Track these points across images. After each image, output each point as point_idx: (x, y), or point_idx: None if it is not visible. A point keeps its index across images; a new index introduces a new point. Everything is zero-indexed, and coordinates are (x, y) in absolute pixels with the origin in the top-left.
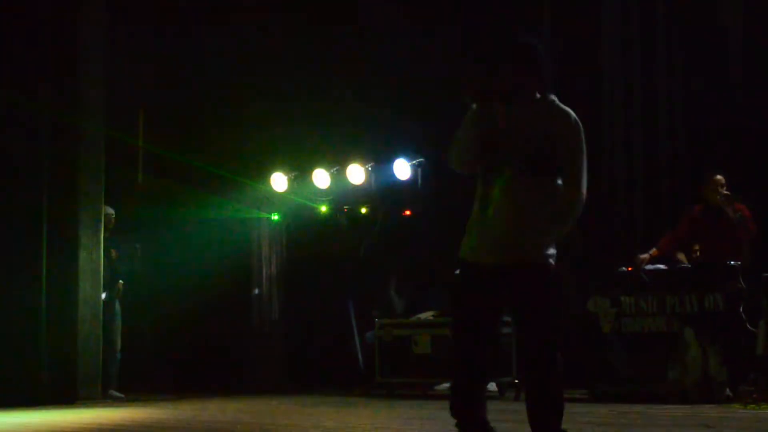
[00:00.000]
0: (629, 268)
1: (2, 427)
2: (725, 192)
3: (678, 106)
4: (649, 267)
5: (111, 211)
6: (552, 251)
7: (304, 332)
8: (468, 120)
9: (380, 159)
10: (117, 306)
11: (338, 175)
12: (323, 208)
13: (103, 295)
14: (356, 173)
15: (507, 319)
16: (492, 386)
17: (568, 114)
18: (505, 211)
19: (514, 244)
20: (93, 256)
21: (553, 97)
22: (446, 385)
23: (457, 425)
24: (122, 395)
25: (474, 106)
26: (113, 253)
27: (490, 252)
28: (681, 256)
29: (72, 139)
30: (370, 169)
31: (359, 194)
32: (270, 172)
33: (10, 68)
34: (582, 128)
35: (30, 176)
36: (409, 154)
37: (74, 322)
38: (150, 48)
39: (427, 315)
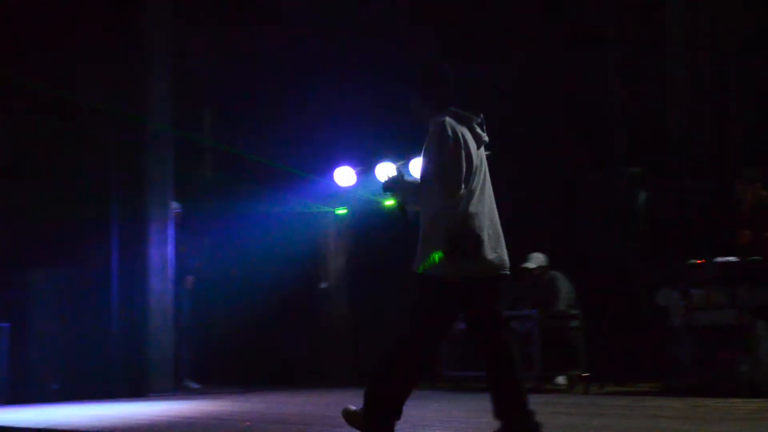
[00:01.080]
0: (699, 261)
1: (78, 419)
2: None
3: (748, 96)
4: (720, 259)
5: (178, 206)
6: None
7: (371, 326)
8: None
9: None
10: (187, 300)
11: (403, 169)
12: (389, 202)
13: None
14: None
15: (575, 312)
16: (561, 379)
17: (433, 124)
18: None
19: None
20: (162, 251)
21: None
22: None
23: None
24: (198, 385)
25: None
26: (182, 248)
27: None
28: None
29: (140, 136)
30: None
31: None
32: (335, 167)
33: (78, 68)
34: (438, 129)
35: (99, 173)
36: None
37: (145, 316)
38: (215, 45)
39: None
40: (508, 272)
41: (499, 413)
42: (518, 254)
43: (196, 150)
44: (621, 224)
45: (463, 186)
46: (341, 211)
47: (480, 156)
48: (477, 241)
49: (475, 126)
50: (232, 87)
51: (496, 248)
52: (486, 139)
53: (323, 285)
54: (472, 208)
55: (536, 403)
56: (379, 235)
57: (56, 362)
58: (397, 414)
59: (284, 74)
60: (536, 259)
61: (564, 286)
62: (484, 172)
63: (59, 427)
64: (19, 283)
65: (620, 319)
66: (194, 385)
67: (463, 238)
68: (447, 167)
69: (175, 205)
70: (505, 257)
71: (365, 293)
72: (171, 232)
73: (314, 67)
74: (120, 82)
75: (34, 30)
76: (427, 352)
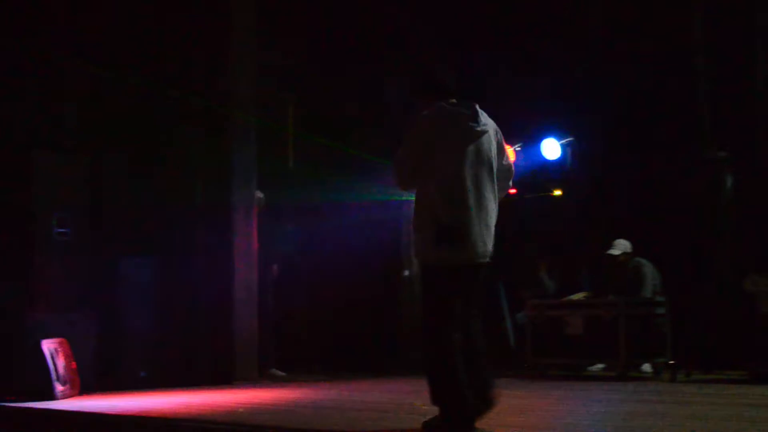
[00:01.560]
0: None
1: (165, 407)
2: None
3: None
4: None
5: (262, 195)
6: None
7: None
8: None
9: (529, 138)
10: (272, 289)
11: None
12: None
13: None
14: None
15: (661, 299)
16: (647, 367)
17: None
18: None
19: None
20: (247, 240)
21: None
22: (600, 366)
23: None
24: (283, 373)
25: None
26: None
27: None
28: None
29: (224, 127)
30: (518, 149)
31: None
32: None
33: (164, 62)
34: (418, 122)
35: (186, 164)
36: (558, 133)
37: (230, 304)
38: (298, 35)
39: (579, 296)
40: (488, 260)
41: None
42: (604, 241)
43: (280, 139)
44: (708, 209)
45: (404, 183)
46: None
47: (476, 149)
48: (464, 230)
49: (466, 120)
50: (315, 76)
51: (485, 239)
52: (482, 128)
53: (406, 273)
54: (458, 199)
55: (621, 390)
56: None
57: (144, 350)
58: (475, 402)
59: (365, 61)
60: (621, 246)
61: (649, 272)
62: (480, 163)
63: (148, 414)
64: (108, 273)
65: (707, 306)
66: (279, 373)
67: (451, 227)
68: (397, 163)
69: (259, 195)
70: (491, 248)
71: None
72: (255, 221)
73: (397, 50)
74: (205, 73)
75: (120, 22)
76: (452, 332)
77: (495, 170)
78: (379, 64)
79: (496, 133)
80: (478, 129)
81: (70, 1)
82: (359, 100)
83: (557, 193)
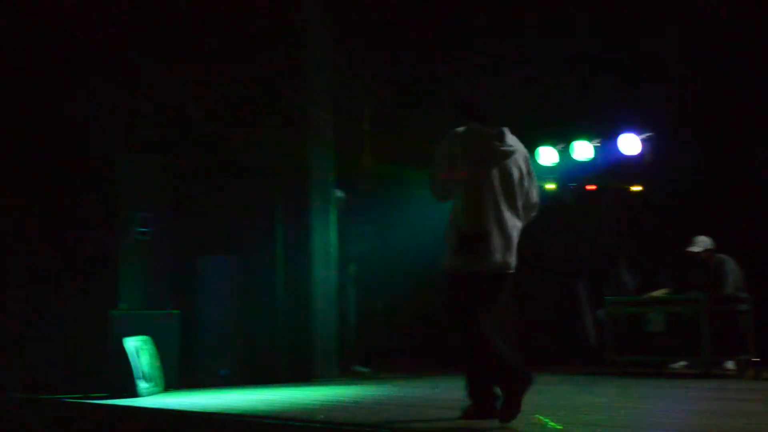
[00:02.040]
0: None
1: (246, 404)
2: None
3: None
4: None
5: (341, 194)
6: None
7: (533, 311)
8: None
9: (608, 134)
10: (351, 286)
11: (564, 152)
12: (550, 186)
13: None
14: (583, 149)
15: (744, 296)
16: (730, 365)
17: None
18: None
19: None
20: (325, 238)
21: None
22: (682, 363)
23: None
24: (366, 369)
25: None
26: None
27: None
28: None
29: (302, 126)
30: (597, 144)
31: (587, 171)
32: None
33: (243, 62)
34: (446, 137)
35: (264, 163)
36: (637, 128)
37: (309, 302)
38: (374, 33)
39: (660, 292)
40: (512, 271)
41: (470, 394)
42: (685, 237)
43: (357, 138)
44: None
45: (437, 194)
46: None
47: (501, 167)
48: (483, 241)
49: (492, 139)
50: (391, 75)
51: (504, 252)
52: (507, 148)
53: None
54: (480, 212)
55: (705, 388)
56: (540, 219)
57: (224, 348)
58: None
59: (440, 56)
60: (701, 243)
61: (732, 269)
62: (505, 181)
63: (230, 411)
64: (189, 272)
65: None
66: (362, 370)
67: (470, 237)
68: (429, 176)
69: (338, 194)
70: (511, 260)
71: (526, 278)
72: (334, 219)
73: (472, 47)
74: (282, 73)
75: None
76: (481, 318)
77: (521, 191)
78: (455, 61)
79: (526, 159)
80: (503, 149)
81: (150, 2)
82: (436, 97)
83: (636, 188)
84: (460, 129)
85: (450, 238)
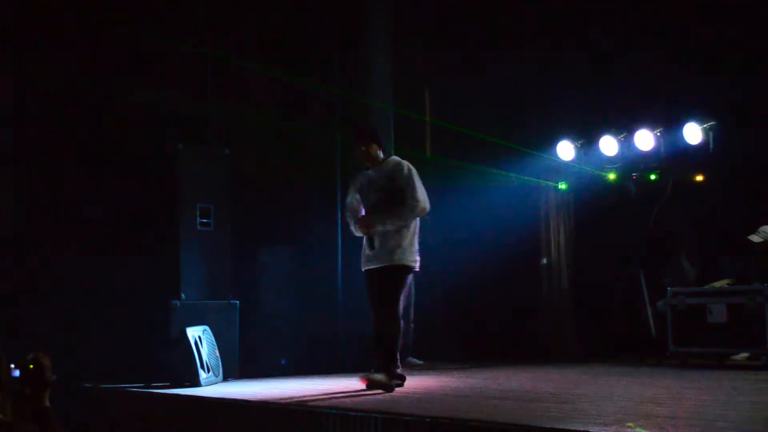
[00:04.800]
0: None
1: (305, 394)
2: None
3: None
4: None
5: None
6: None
7: (594, 301)
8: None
9: (670, 123)
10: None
11: (626, 142)
12: (611, 176)
13: None
14: (645, 139)
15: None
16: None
17: (399, 162)
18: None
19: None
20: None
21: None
22: (744, 354)
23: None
24: (420, 362)
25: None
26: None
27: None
28: None
29: (362, 116)
30: (659, 134)
31: (648, 161)
32: (557, 141)
33: (306, 52)
34: (411, 169)
35: (325, 154)
36: (700, 117)
37: None
38: (435, 24)
39: (721, 283)
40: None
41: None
42: (747, 226)
43: (417, 128)
44: None
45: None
46: (562, 186)
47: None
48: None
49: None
50: (452, 65)
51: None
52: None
53: (544, 261)
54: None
55: (767, 380)
56: (601, 209)
57: (284, 338)
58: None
59: (504, 49)
60: (763, 233)
61: None
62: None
63: (290, 401)
64: (249, 261)
65: None
66: (417, 362)
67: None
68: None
69: None
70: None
71: (587, 269)
72: None
73: (532, 40)
74: (342, 62)
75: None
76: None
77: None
78: (515, 52)
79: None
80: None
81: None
82: (495, 88)
83: (699, 178)
84: (406, 161)
85: (402, 241)
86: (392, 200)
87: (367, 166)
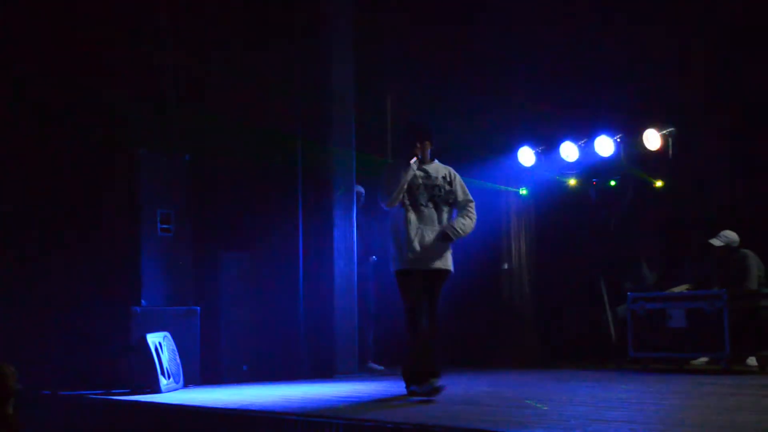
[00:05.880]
0: None
1: (266, 400)
2: None
3: None
4: None
5: (361, 189)
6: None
7: (554, 306)
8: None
9: (629, 130)
10: (371, 282)
11: (586, 148)
12: (572, 182)
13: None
14: (604, 145)
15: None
16: (752, 361)
17: (448, 167)
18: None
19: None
20: (346, 234)
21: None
22: (703, 359)
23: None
24: (381, 367)
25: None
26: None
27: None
28: None
29: (324, 120)
30: (618, 140)
31: (608, 166)
32: (517, 147)
33: (265, 55)
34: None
35: (285, 157)
36: (658, 124)
37: (330, 298)
38: (397, 29)
39: (681, 288)
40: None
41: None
42: (707, 232)
43: (379, 133)
44: None
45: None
46: (523, 191)
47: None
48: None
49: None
50: (414, 70)
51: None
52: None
53: (505, 266)
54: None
55: (726, 384)
56: (561, 215)
57: (245, 344)
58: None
59: (466, 56)
60: (724, 237)
61: (755, 264)
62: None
63: (252, 408)
64: (210, 267)
65: None
66: (378, 367)
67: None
68: None
69: (359, 189)
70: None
71: (548, 274)
72: (355, 214)
73: (494, 48)
74: (303, 68)
75: (220, 17)
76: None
77: None
78: (477, 57)
79: None
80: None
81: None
82: (458, 92)
83: (659, 184)
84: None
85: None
86: (446, 202)
87: (414, 167)
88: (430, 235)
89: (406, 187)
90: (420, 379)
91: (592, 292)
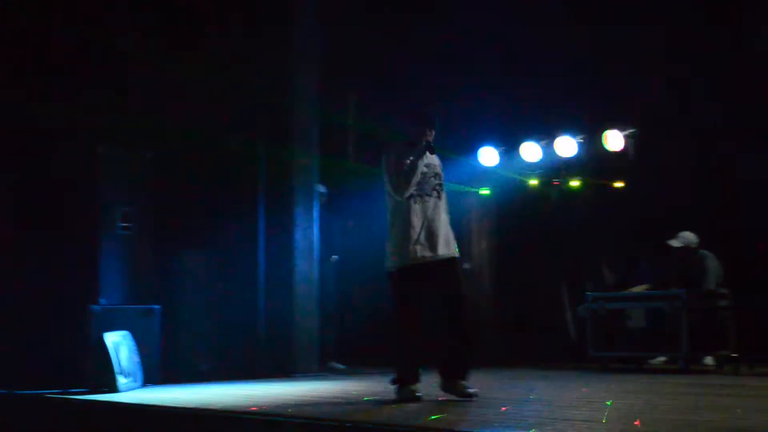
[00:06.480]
0: None
1: (225, 399)
2: None
3: None
4: None
5: (324, 189)
6: None
7: (515, 306)
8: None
9: (590, 130)
10: (332, 282)
11: (548, 148)
12: (533, 182)
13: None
14: (566, 145)
15: (725, 291)
16: (709, 360)
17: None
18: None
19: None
20: (307, 233)
21: None
22: (661, 359)
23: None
24: (343, 366)
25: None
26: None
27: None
28: None
29: (286, 120)
30: (580, 140)
31: (570, 167)
32: (479, 146)
33: (228, 53)
34: None
35: (247, 157)
36: (620, 125)
37: (291, 297)
38: (360, 28)
39: (641, 288)
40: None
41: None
42: (667, 233)
43: (341, 133)
44: None
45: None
46: (484, 191)
47: None
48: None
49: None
50: (377, 71)
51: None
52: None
53: (466, 266)
54: None
55: (684, 384)
56: (523, 215)
57: (205, 343)
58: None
59: (427, 57)
60: (683, 238)
61: (713, 264)
62: None
63: (210, 407)
64: (170, 266)
65: None
66: (339, 366)
67: None
68: None
69: (321, 189)
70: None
71: (509, 273)
72: (316, 214)
73: (459, 44)
74: (267, 65)
75: (185, 17)
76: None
77: None
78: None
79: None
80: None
81: None
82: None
83: (619, 184)
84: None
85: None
86: (442, 192)
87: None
88: (435, 225)
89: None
90: (412, 379)
91: (553, 291)
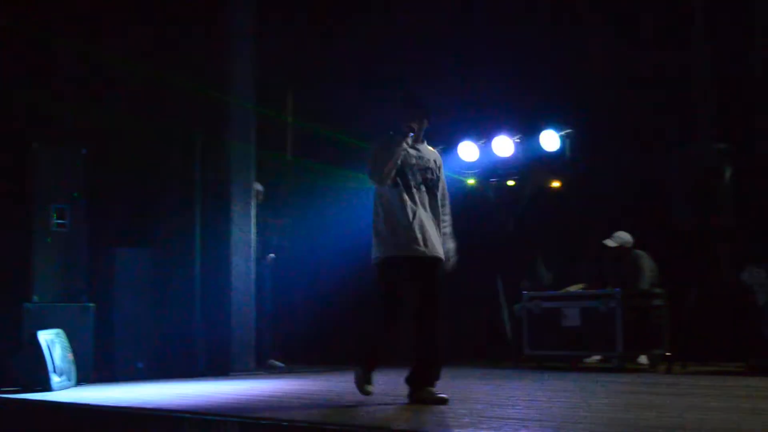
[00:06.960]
0: None
1: (160, 398)
2: None
3: None
4: None
5: (261, 187)
6: None
7: (451, 304)
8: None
9: (528, 130)
10: (269, 279)
11: (485, 148)
12: (470, 181)
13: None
14: (503, 145)
15: (659, 291)
16: (643, 359)
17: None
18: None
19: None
20: (244, 231)
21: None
22: (596, 357)
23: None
24: (282, 364)
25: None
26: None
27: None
28: None
29: (223, 116)
30: (517, 140)
31: (507, 167)
32: None
33: (159, 47)
34: None
35: (183, 153)
36: (557, 125)
37: (227, 295)
38: (299, 25)
39: (576, 287)
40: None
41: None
42: (602, 233)
43: (278, 130)
44: (706, 201)
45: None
46: None
47: None
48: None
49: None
50: (315, 66)
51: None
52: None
53: None
54: None
55: (618, 382)
56: (459, 214)
57: (141, 341)
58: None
59: (367, 53)
60: (618, 238)
61: (647, 264)
62: None
63: (146, 406)
64: (105, 263)
65: (704, 298)
66: (278, 364)
67: None
68: None
69: (258, 187)
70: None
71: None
72: (253, 212)
73: (397, 44)
74: (202, 61)
75: (117, 7)
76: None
77: None
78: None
79: None
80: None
81: None
82: (359, 88)
83: (556, 184)
84: None
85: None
86: (435, 187)
87: (409, 142)
88: (425, 220)
89: (399, 164)
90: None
91: (489, 290)
